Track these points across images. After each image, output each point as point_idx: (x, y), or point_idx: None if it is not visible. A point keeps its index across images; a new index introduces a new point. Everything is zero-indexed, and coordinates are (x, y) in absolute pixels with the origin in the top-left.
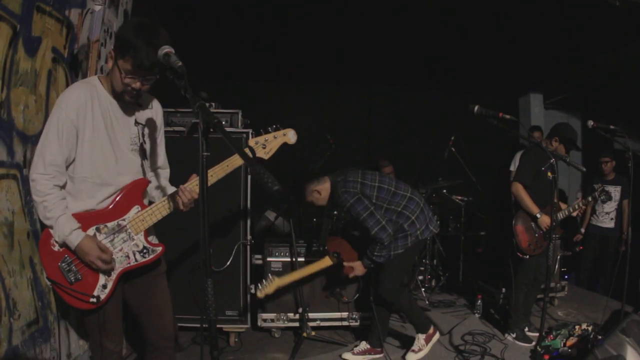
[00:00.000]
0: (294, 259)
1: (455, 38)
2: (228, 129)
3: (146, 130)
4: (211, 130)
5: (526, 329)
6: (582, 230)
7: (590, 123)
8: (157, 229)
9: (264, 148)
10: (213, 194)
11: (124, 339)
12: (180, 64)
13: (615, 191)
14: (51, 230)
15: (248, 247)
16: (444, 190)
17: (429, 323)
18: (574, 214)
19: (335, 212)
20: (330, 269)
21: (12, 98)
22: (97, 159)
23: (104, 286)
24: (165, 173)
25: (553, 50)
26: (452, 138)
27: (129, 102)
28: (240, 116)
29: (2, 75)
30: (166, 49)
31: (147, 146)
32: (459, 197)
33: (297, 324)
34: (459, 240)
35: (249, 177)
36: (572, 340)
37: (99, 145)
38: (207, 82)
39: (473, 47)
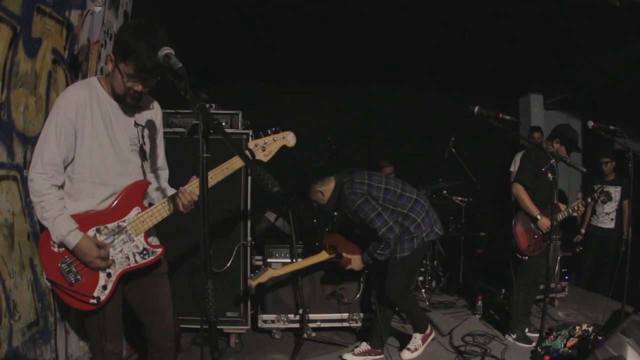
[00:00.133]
0: (294, 260)
1: (456, 38)
2: (228, 130)
3: (146, 132)
4: (211, 131)
5: (526, 329)
6: (582, 231)
7: (591, 123)
8: (157, 231)
9: (264, 150)
10: (213, 195)
11: (124, 340)
12: (180, 65)
13: (615, 191)
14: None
15: (248, 248)
16: (444, 191)
17: (428, 323)
18: (574, 214)
19: (335, 214)
20: (328, 265)
21: (12, 99)
22: (96, 159)
23: (104, 287)
24: (164, 174)
25: (553, 50)
26: (452, 138)
27: (130, 104)
28: (240, 117)
29: (2, 77)
30: (166, 50)
31: (147, 147)
32: (459, 198)
33: (297, 325)
34: (459, 241)
35: (249, 178)
36: (572, 341)
37: (98, 145)
38: (207, 83)
39: (473, 47)
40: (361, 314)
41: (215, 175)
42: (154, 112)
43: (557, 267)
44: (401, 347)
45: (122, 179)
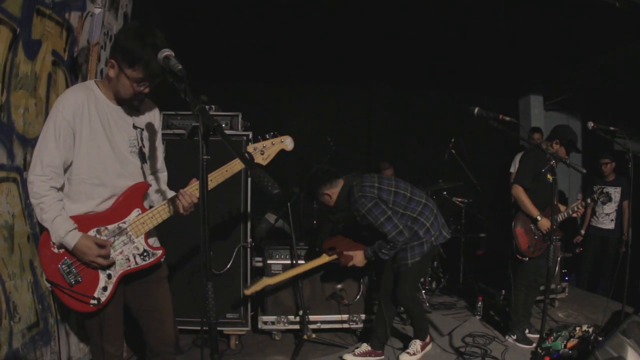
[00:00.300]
0: (294, 262)
1: (456, 39)
2: (228, 132)
3: (145, 134)
4: (211, 133)
5: (527, 330)
6: (582, 232)
7: (591, 124)
8: (157, 232)
9: (262, 154)
10: (213, 196)
11: (124, 342)
12: (180, 67)
13: (615, 192)
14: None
15: (248, 249)
16: (444, 192)
17: (428, 333)
18: (574, 215)
19: (337, 217)
20: (329, 267)
21: (12, 101)
22: (94, 161)
23: (104, 288)
24: (163, 177)
25: (553, 50)
26: (453, 140)
27: (135, 106)
28: (240, 119)
29: (2, 79)
30: (166, 52)
31: (146, 150)
32: (459, 199)
33: (297, 327)
34: (459, 242)
35: (249, 179)
36: (572, 342)
37: (97, 146)
38: (206, 85)
39: (473, 48)
40: (361, 315)
41: (215, 178)
42: (153, 115)
43: (557, 268)
44: (401, 349)
45: (122, 180)
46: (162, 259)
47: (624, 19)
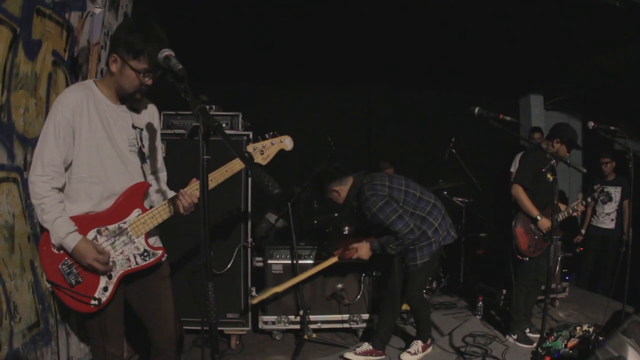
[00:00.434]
0: (294, 262)
1: (455, 38)
2: (228, 132)
3: (144, 134)
4: (211, 133)
5: (527, 330)
6: (583, 232)
7: (591, 124)
8: (158, 232)
9: (262, 154)
10: (214, 196)
11: (125, 342)
12: (180, 67)
13: (615, 192)
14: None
15: (249, 249)
16: (445, 192)
17: (431, 335)
18: (574, 214)
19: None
20: (329, 267)
21: (12, 101)
22: (94, 159)
23: (105, 289)
24: (163, 177)
25: (553, 50)
26: (453, 139)
27: (137, 100)
28: (240, 118)
29: (2, 79)
30: (166, 52)
31: (146, 150)
32: (460, 199)
33: (298, 327)
34: (460, 241)
35: (250, 179)
36: (573, 342)
37: (96, 145)
38: (207, 85)
39: (473, 48)
40: (362, 315)
41: (215, 178)
42: (152, 115)
43: (557, 268)
44: (402, 349)
45: (122, 179)
46: (163, 259)
47: (624, 18)
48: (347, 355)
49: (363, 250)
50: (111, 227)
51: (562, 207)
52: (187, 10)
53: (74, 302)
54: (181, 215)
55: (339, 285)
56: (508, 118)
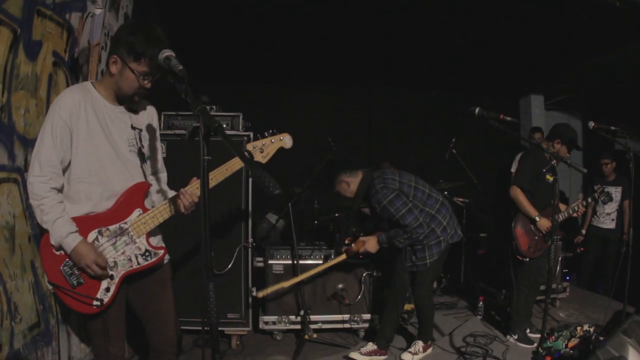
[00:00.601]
0: (295, 262)
1: (456, 39)
2: (229, 132)
3: (143, 134)
4: (212, 133)
5: (528, 330)
6: (583, 232)
7: (592, 124)
8: (160, 231)
9: (262, 152)
10: (214, 196)
11: (126, 343)
12: (180, 67)
13: (616, 192)
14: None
15: (249, 249)
16: (445, 192)
17: (432, 337)
18: (574, 215)
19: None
20: (330, 267)
21: (12, 102)
22: (93, 159)
23: (107, 289)
24: (163, 177)
25: (553, 50)
26: (453, 140)
27: (135, 102)
28: (241, 119)
29: (3, 79)
30: (167, 52)
31: (145, 150)
32: (460, 199)
33: (298, 327)
34: (460, 241)
35: (250, 179)
36: (573, 342)
37: (95, 145)
38: (207, 85)
39: (473, 48)
40: (363, 315)
41: (215, 177)
42: (151, 116)
43: (558, 268)
44: (400, 349)
45: (122, 179)
46: (164, 259)
47: (624, 18)
48: (353, 355)
49: (370, 243)
50: (112, 227)
51: (563, 207)
52: (187, 11)
53: (76, 304)
54: (182, 214)
55: (340, 286)
56: (508, 118)
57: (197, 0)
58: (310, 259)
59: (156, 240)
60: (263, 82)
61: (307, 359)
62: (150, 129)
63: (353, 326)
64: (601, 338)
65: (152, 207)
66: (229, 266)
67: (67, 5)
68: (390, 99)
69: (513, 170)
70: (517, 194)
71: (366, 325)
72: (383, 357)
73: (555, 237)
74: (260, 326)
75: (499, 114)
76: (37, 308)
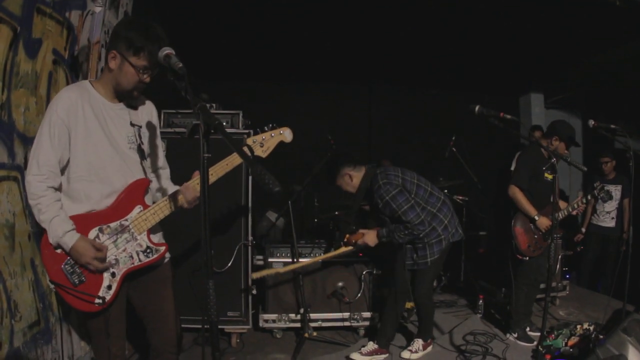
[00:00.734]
0: (295, 260)
1: (456, 37)
2: (229, 130)
3: (143, 131)
4: (212, 131)
5: (527, 328)
6: (583, 230)
7: (591, 122)
8: (161, 228)
9: (262, 147)
10: (214, 194)
11: (126, 341)
12: (180, 65)
13: (615, 190)
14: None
15: (249, 247)
16: (445, 190)
17: (432, 335)
18: (574, 212)
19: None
20: (330, 265)
21: (12, 100)
22: (92, 157)
23: (109, 287)
24: (165, 173)
25: (553, 49)
26: (453, 138)
27: (134, 97)
28: (241, 117)
29: (3, 77)
30: (166, 50)
31: (145, 147)
32: (460, 197)
33: (298, 325)
34: (460, 240)
35: (250, 177)
36: (573, 340)
37: (94, 143)
38: (207, 83)
39: (473, 46)
40: (362, 313)
41: (216, 172)
42: (149, 112)
43: (558, 266)
44: (400, 347)
45: (122, 176)
46: (166, 255)
47: (624, 17)
48: (353, 356)
49: (370, 236)
50: (113, 224)
51: (563, 205)
52: (187, 9)
53: (78, 302)
54: (185, 209)
55: (340, 284)
56: (508, 116)
57: None
58: (310, 257)
59: (157, 237)
60: (263, 80)
61: (307, 357)
62: (150, 125)
63: (353, 324)
64: (601, 336)
65: (154, 202)
66: (229, 264)
67: (67, 3)
68: (390, 97)
69: (513, 168)
70: (516, 193)
71: (366, 323)
72: (384, 356)
73: (555, 235)
74: (260, 324)
75: (499, 112)
76: (37, 306)
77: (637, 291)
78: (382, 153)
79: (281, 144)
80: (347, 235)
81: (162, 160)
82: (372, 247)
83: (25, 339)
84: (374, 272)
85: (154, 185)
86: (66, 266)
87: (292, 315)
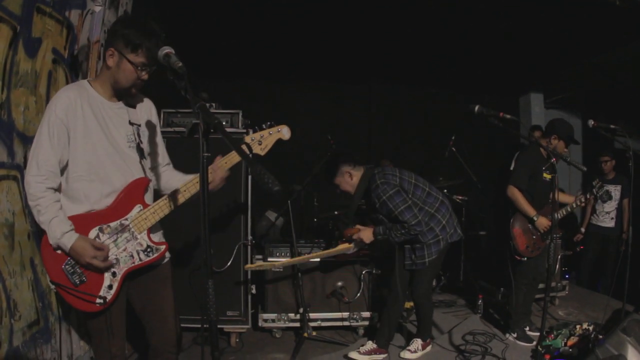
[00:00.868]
0: (296, 257)
1: (456, 37)
2: (228, 130)
3: (142, 130)
4: (212, 130)
5: (527, 328)
6: (583, 230)
7: (591, 122)
8: (161, 227)
9: (260, 144)
10: (214, 194)
11: (125, 341)
12: (180, 64)
13: (615, 190)
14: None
15: (249, 247)
16: (445, 190)
17: (431, 334)
18: (575, 207)
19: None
20: (329, 264)
21: (12, 99)
22: (92, 157)
23: (110, 287)
24: (169, 168)
25: (553, 49)
26: (453, 137)
27: (132, 95)
28: (240, 116)
29: (3, 77)
30: (166, 49)
31: (145, 145)
32: (460, 197)
33: (298, 324)
34: (460, 239)
35: (250, 177)
36: (573, 340)
37: (92, 143)
38: (207, 82)
39: (473, 46)
40: (362, 313)
41: (214, 171)
42: (149, 110)
43: (557, 266)
44: (399, 347)
45: (121, 176)
46: (166, 255)
47: (624, 17)
48: (352, 355)
49: (365, 232)
50: (113, 224)
51: (570, 199)
52: (187, 8)
53: (79, 302)
54: (212, 191)
55: (339, 283)
56: (508, 116)
57: None
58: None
59: (157, 236)
60: (262, 79)
61: (307, 357)
62: (149, 124)
63: (352, 324)
64: (600, 336)
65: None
66: (229, 264)
67: (67, 2)
68: (390, 96)
69: (512, 168)
70: (515, 194)
71: (365, 323)
72: (383, 356)
73: (554, 235)
74: (260, 324)
75: (498, 111)
76: (37, 305)
77: (636, 291)
78: (382, 153)
79: (279, 141)
80: (345, 231)
81: (162, 157)
82: (369, 245)
83: (24, 338)
84: (374, 271)
85: (152, 184)
86: (67, 266)
87: (292, 315)
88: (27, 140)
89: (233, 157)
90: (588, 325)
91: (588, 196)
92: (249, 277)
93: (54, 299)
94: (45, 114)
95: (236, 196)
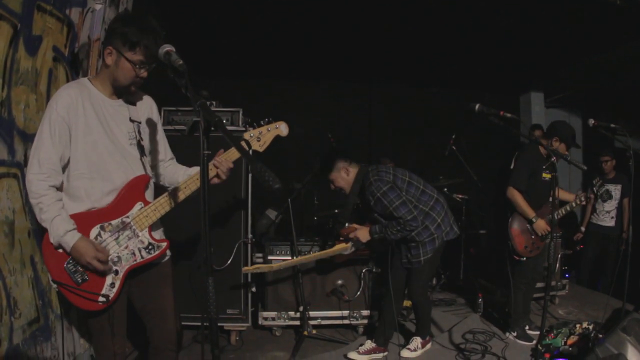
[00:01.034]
0: (294, 258)
1: (456, 36)
2: (229, 128)
3: (143, 127)
4: (212, 128)
5: (527, 327)
6: (583, 229)
7: (592, 121)
8: (162, 224)
9: (259, 141)
10: (214, 192)
11: (126, 339)
12: (181, 62)
13: (615, 190)
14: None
15: (249, 245)
16: (445, 189)
17: (430, 332)
18: (575, 205)
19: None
20: (329, 263)
21: (12, 97)
22: (93, 154)
23: (112, 285)
24: (173, 162)
25: (554, 48)
26: (453, 136)
27: (132, 93)
28: (241, 114)
29: (3, 74)
30: (167, 47)
31: (145, 142)
32: (460, 196)
33: (298, 323)
34: (460, 238)
35: (250, 175)
36: (573, 339)
37: (93, 140)
38: (207, 80)
39: (474, 45)
40: (362, 311)
41: (220, 164)
42: (149, 108)
43: (557, 265)
44: (403, 345)
45: (122, 173)
46: (166, 253)
47: (624, 17)
48: (351, 355)
49: (362, 231)
50: (114, 222)
51: (570, 197)
52: (187, 6)
53: (81, 301)
54: (222, 182)
55: (339, 282)
56: (508, 115)
57: None
58: (310, 254)
59: (158, 234)
60: (263, 77)
61: (306, 355)
62: (149, 122)
63: (352, 322)
64: (600, 335)
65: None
66: (229, 262)
67: (68, 0)
68: (391, 95)
69: (512, 167)
70: (514, 195)
71: (365, 321)
72: (382, 355)
73: (554, 234)
74: (260, 322)
75: (499, 110)
76: (37, 303)
77: (636, 290)
78: (382, 151)
79: (279, 139)
80: (341, 230)
81: (163, 154)
82: (366, 244)
83: (24, 336)
84: (374, 270)
85: (153, 181)
86: (69, 265)
87: (292, 313)
88: (27, 138)
89: (233, 154)
90: (588, 324)
91: (588, 194)
92: (249, 275)
93: (54, 297)
94: (46, 112)
95: (236, 194)
